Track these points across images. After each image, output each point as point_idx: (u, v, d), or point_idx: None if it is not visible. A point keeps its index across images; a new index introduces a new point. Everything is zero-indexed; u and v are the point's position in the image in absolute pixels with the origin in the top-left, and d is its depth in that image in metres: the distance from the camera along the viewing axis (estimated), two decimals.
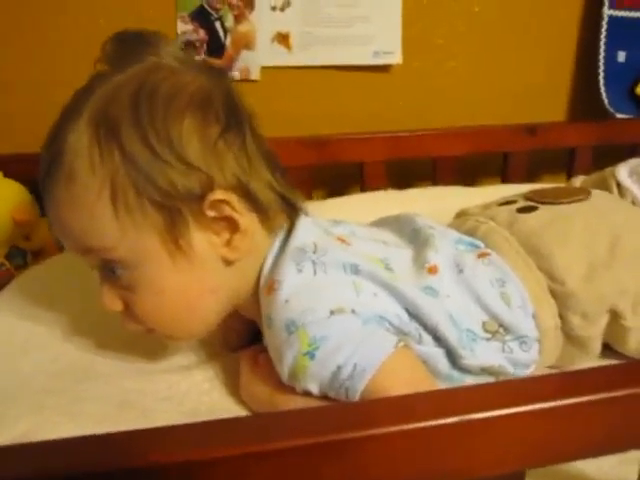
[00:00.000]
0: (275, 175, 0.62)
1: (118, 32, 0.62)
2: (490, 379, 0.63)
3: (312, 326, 0.54)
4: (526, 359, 0.64)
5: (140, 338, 0.70)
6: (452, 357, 0.61)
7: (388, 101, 1.13)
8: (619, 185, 0.82)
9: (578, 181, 0.89)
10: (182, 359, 0.70)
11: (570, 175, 1.15)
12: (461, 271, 0.64)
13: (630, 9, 1.17)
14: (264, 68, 1.08)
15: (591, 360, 0.67)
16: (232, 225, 0.58)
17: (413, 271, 0.63)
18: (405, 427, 0.37)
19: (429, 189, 1.07)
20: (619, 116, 1.18)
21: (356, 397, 0.53)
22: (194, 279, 0.58)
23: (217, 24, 1.06)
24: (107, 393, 0.62)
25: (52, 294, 0.81)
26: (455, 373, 0.61)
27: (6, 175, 0.97)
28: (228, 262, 0.59)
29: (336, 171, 1.11)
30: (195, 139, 0.56)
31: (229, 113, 0.59)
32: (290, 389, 0.57)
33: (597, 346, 0.66)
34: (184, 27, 1.05)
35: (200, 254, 0.57)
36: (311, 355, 0.54)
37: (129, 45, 0.60)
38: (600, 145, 1.15)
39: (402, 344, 0.55)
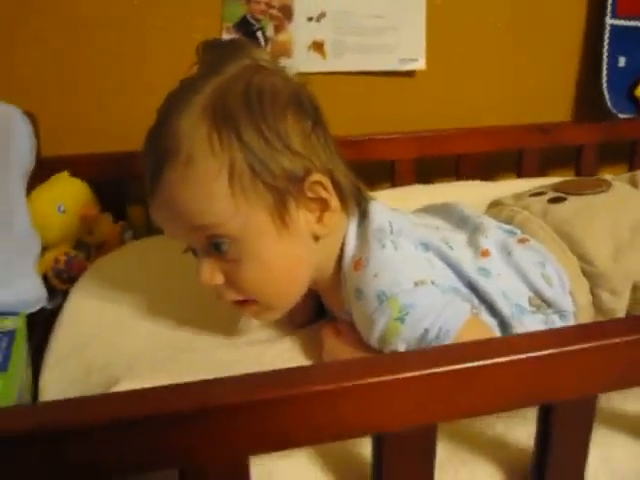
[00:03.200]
0: (346, 167, 0.72)
1: (208, 40, 0.72)
2: None
3: (401, 295, 0.64)
4: None
5: (217, 318, 0.79)
6: (504, 327, 0.70)
7: (414, 104, 1.23)
8: None
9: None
10: (260, 335, 0.78)
11: (578, 171, 1.27)
12: (509, 254, 0.73)
13: (629, 18, 1.28)
14: (301, 74, 1.17)
15: None
16: (323, 205, 0.67)
17: (469, 253, 0.73)
18: (435, 370, 0.47)
19: (453, 184, 1.18)
20: (621, 116, 1.30)
21: None
22: (294, 251, 0.67)
23: (259, 34, 1.15)
24: (208, 362, 0.70)
25: (126, 281, 0.88)
26: None
27: (72, 174, 1.05)
28: (316, 238, 0.69)
29: (368, 169, 1.20)
30: (296, 131, 0.66)
31: (314, 112, 0.69)
32: (375, 351, 0.66)
33: (622, 316, 0.76)
34: (229, 36, 1.14)
35: (299, 229, 0.67)
36: (402, 320, 0.63)
37: (226, 50, 0.70)
38: (604, 143, 1.27)
39: (475, 310, 0.65)
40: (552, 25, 1.28)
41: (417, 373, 0.46)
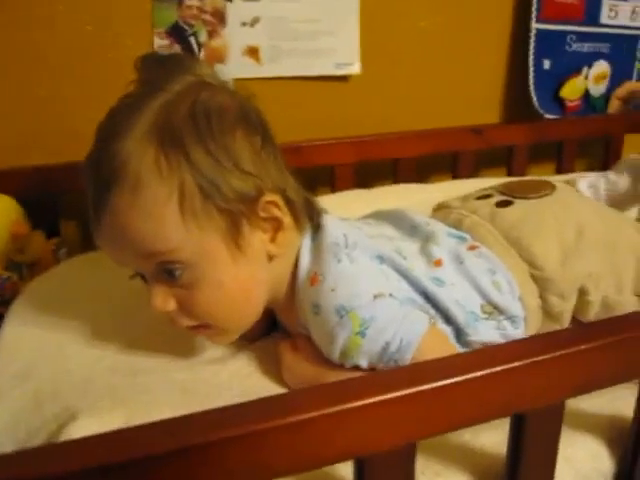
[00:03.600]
0: (295, 180, 0.71)
1: (147, 55, 0.68)
2: None
3: (361, 309, 0.63)
4: (516, 334, 0.75)
5: (166, 338, 0.76)
6: (459, 334, 0.71)
7: (350, 108, 1.23)
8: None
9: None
10: (213, 353, 0.76)
11: (509, 171, 1.30)
12: (461, 262, 0.74)
13: (552, 22, 1.32)
14: (235, 80, 1.15)
15: None
16: (276, 224, 0.66)
17: (422, 263, 0.73)
18: (411, 390, 0.47)
19: (393, 187, 1.19)
20: (547, 117, 1.35)
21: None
22: (249, 273, 0.65)
23: (191, 39, 1.12)
24: (165, 383, 0.68)
25: (64, 302, 0.84)
26: (460, 348, 0.72)
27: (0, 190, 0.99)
28: (271, 257, 0.67)
29: (308, 174, 1.19)
30: (246, 149, 0.63)
31: (262, 127, 0.67)
32: (336, 366, 0.66)
33: (568, 318, 0.78)
34: (160, 42, 1.10)
35: (254, 251, 0.65)
36: (362, 334, 0.63)
37: (167, 66, 0.66)
38: (533, 143, 1.31)
39: (432, 320, 0.66)
40: (481, 29, 1.30)
41: (393, 395, 0.46)
